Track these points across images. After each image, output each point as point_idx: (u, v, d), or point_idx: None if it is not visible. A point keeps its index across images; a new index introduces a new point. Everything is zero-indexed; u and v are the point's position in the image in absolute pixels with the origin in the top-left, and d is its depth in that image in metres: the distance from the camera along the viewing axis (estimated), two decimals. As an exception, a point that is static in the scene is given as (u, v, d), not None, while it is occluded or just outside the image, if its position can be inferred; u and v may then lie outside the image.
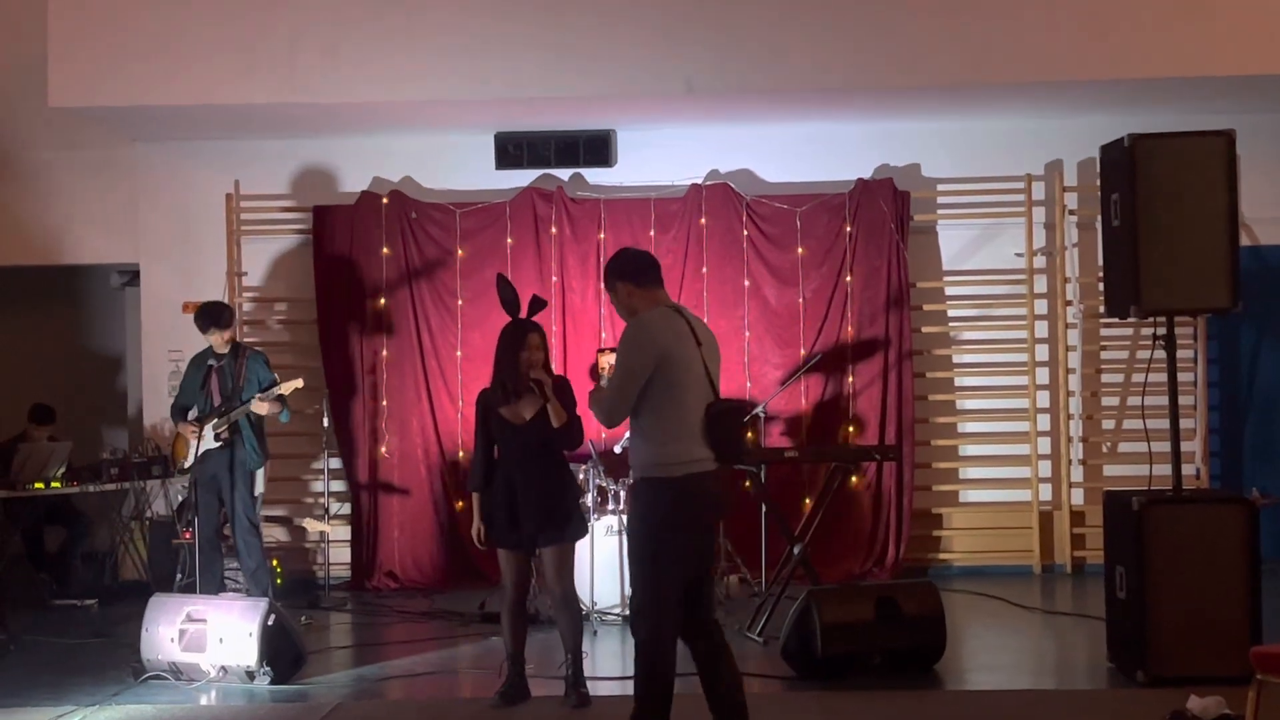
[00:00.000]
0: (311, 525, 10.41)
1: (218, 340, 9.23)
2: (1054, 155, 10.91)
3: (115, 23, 9.84)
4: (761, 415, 10.21)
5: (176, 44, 9.83)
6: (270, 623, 7.42)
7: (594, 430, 8.58)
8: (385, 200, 10.84)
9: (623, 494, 8.96)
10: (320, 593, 10.23)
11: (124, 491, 10.37)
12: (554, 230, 10.78)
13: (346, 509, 10.78)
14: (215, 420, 9.08)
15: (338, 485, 10.78)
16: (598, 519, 8.81)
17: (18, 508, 10.20)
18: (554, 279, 10.73)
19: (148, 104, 9.95)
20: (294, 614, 8.47)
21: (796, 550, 8.58)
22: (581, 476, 8.87)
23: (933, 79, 9.82)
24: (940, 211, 11.01)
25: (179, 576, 9.92)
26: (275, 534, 10.74)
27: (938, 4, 9.72)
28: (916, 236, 10.87)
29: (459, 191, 10.98)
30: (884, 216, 10.64)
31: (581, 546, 7.58)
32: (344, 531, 10.74)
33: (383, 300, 10.82)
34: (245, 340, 10.36)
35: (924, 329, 10.91)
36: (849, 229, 10.69)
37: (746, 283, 10.73)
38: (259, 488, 9.36)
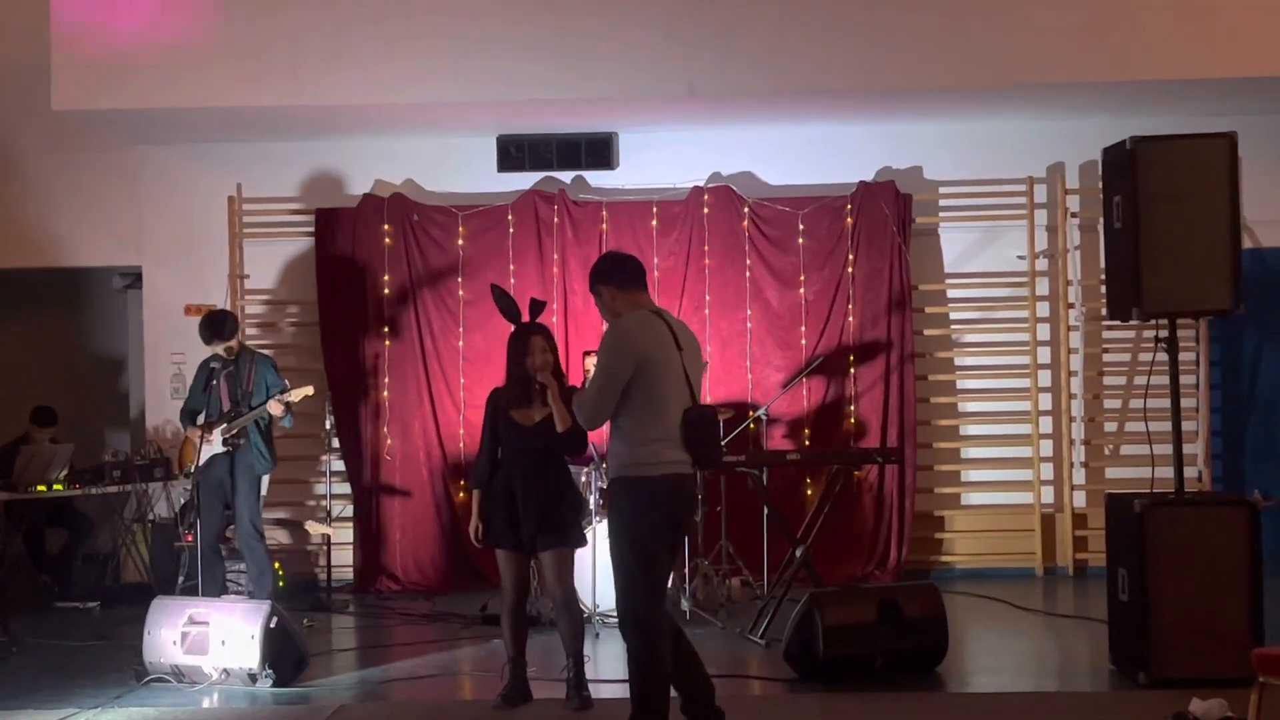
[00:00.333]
0: (314, 528, 10.40)
1: (226, 348, 9.23)
2: (1056, 158, 10.91)
3: (118, 26, 9.86)
4: (763, 418, 10.21)
5: (179, 47, 9.84)
6: (272, 625, 7.41)
7: (597, 433, 8.59)
8: (387, 203, 10.85)
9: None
10: (322, 595, 10.23)
11: (126, 494, 10.37)
12: (556, 233, 10.78)
13: (348, 511, 10.78)
14: (224, 425, 9.08)
15: (340, 488, 10.78)
16: (600, 521, 8.80)
17: (20, 510, 10.20)
18: (556, 281, 10.74)
19: (150, 107, 9.96)
20: (296, 616, 8.46)
21: (798, 552, 8.57)
22: (584, 479, 8.88)
23: (934, 81, 9.82)
24: (942, 214, 11.01)
25: (181, 579, 9.94)
26: (277, 536, 10.75)
27: (939, 6, 9.73)
28: (918, 239, 10.87)
29: (461, 194, 10.98)
30: (886, 219, 10.64)
31: (583, 549, 7.57)
32: (346, 534, 10.74)
33: (385, 303, 10.82)
34: (249, 343, 10.34)
35: (926, 331, 10.91)
36: (851, 231, 10.69)
37: (748, 285, 10.73)
38: (261, 491, 9.37)
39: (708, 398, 10.17)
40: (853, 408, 10.69)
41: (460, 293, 10.82)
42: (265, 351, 9.72)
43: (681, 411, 5.84)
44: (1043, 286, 10.88)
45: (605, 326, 6.14)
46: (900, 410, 10.63)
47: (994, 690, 7.32)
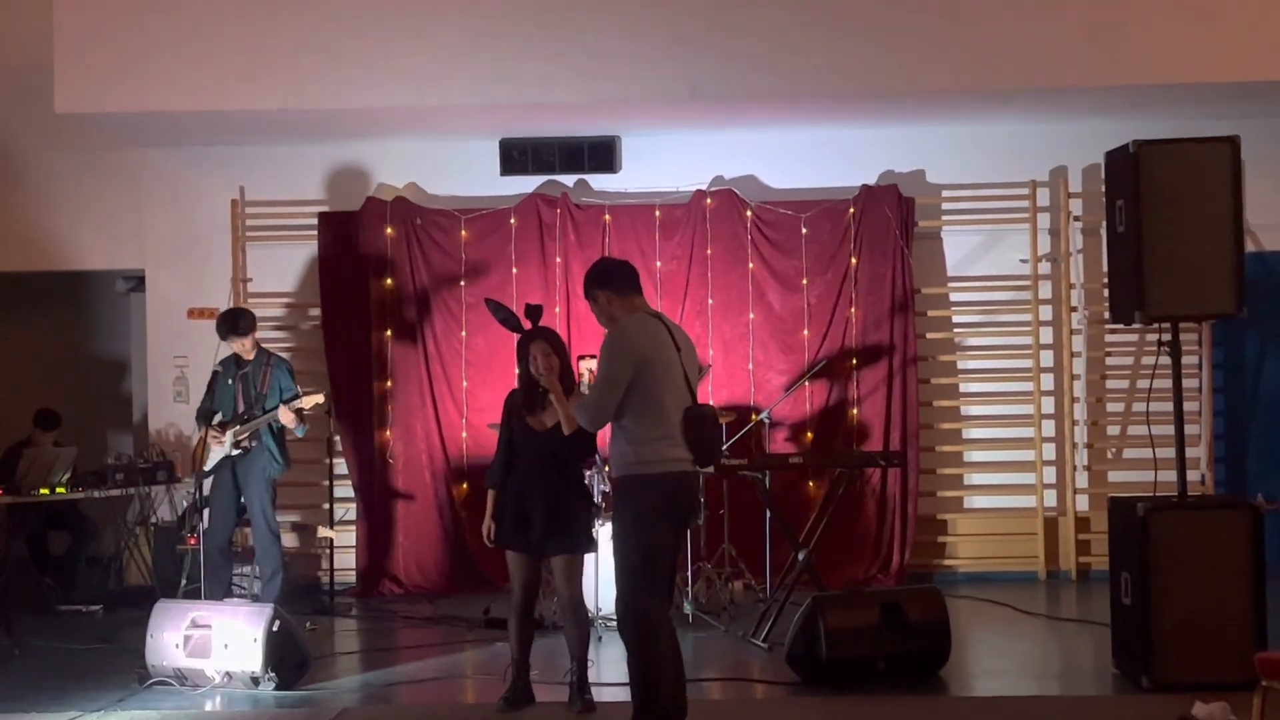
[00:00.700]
0: (321, 531, 10.41)
1: (240, 347, 9.23)
2: (1059, 161, 10.91)
3: (121, 29, 9.86)
4: (766, 421, 10.21)
5: (182, 51, 9.84)
6: (275, 628, 7.41)
7: (602, 436, 8.58)
8: (390, 206, 10.85)
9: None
10: (325, 598, 10.23)
11: (129, 497, 10.36)
12: (559, 236, 10.78)
13: (351, 514, 10.78)
14: (237, 427, 9.08)
15: (342, 491, 10.78)
16: (603, 524, 8.79)
17: (22, 513, 10.19)
18: (558, 285, 10.74)
19: (153, 110, 9.96)
20: (299, 620, 8.47)
21: (801, 556, 8.57)
22: (586, 481, 8.86)
23: (937, 84, 9.82)
24: (945, 217, 11.01)
25: (184, 582, 9.94)
26: (282, 539, 10.73)
27: (942, 10, 9.73)
28: (921, 242, 10.87)
29: (464, 197, 10.99)
30: (888, 222, 10.64)
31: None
32: (349, 537, 10.73)
33: (387, 306, 10.82)
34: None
35: (928, 335, 10.91)
36: (853, 235, 10.69)
37: (751, 288, 10.73)
38: (274, 494, 9.37)
39: (710, 400, 10.17)
40: (855, 411, 10.69)
41: (463, 296, 10.82)
42: (285, 356, 9.69)
43: (682, 410, 5.96)
44: (1045, 290, 10.88)
45: (605, 330, 6.20)
46: (903, 413, 10.63)
47: (997, 694, 7.32)
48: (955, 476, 10.99)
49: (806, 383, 10.57)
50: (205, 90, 9.86)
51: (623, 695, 7.08)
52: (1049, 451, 10.87)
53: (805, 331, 10.70)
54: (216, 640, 7.47)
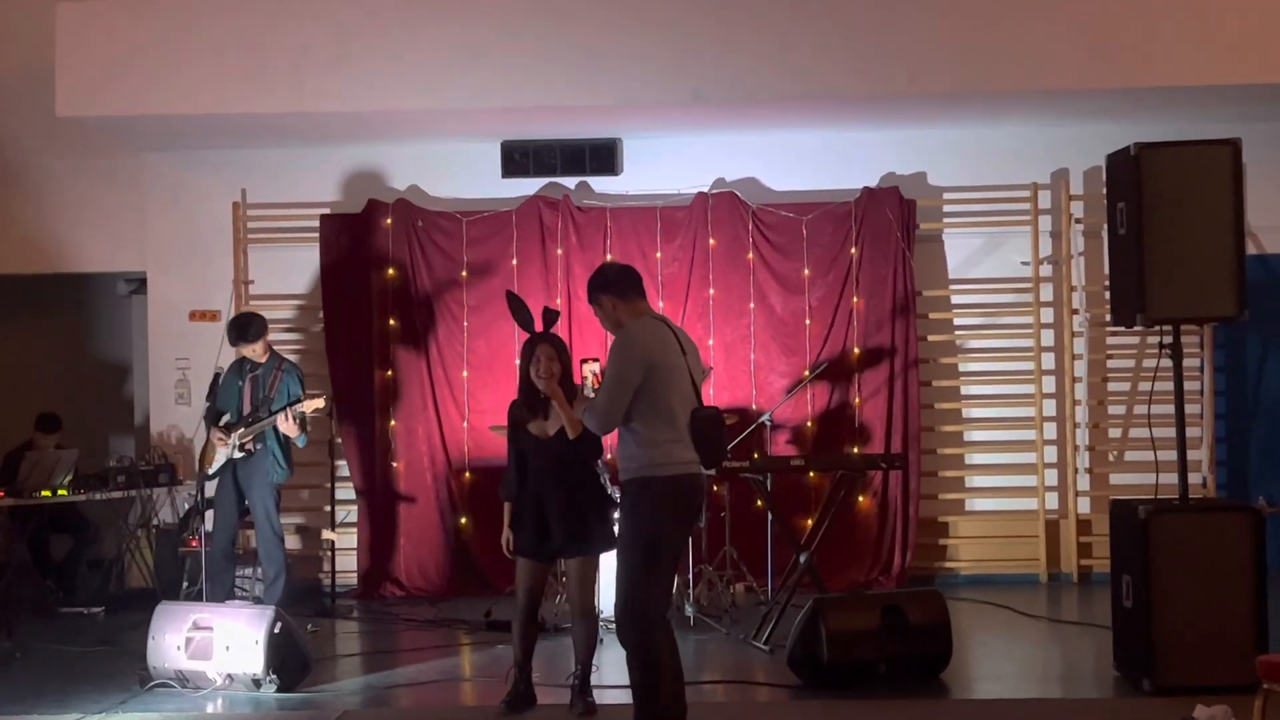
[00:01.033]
0: (325, 534, 10.42)
1: (250, 352, 9.22)
2: (1060, 164, 10.91)
3: (122, 32, 9.87)
4: (768, 424, 10.21)
5: (183, 54, 9.86)
6: (276, 630, 7.42)
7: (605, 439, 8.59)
8: (392, 208, 10.85)
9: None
10: (327, 601, 10.23)
11: (130, 499, 10.36)
12: (560, 239, 10.79)
13: (353, 517, 10.78)
14: (242, 430, 9.08)
15: (344, 493, 10.78)
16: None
17: (24, 515, 10.20)
18: (560, 287, 10.74)
19: (155, 113, 9.97)
20: (300, 622, 8.47)
21: (803, 558, 8.58)
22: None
23: (939, 87, 9.82)
24: (946, 220, 11.01)
25: (185, 584, 9.94)
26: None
27: (944, 12, 9.73)
28: (922, 245, 10.87)
29: (465, 200, 10.99)
30: (890, 225, 10.64)
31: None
32: (350, 539, 10.74)
33: (389, 309, 10.82)
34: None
35: (930, 337, 10.91)
36: (855, 237, 10.69)
37: (752, 290, 10.73)
38: (278, 497, 9.37)
39: (712, 403, 10.15)
40: (857, 413, 10.69)
41: (464, 298, 10.82)
42: (294, 361, 9.67)
43: (689, 413, 6.02)
44: (1047, 292, 10.88)
45: (608, 334, 6.23)
46: (904, 416, 10.63)
47: (998, 697, 7.32)
48: (956, 479, 10.99)
49: (808, 385, 10.56)
50: (206, 93, 9.87)
51: (624, 698, 7.09)
52: (1050, 454, 10.86)
53: (806, 334, 10.70)
54: (218, 642, 7.47)
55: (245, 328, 9.22)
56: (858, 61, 9.77)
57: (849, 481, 9.18)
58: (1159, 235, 7.08)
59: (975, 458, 11.01)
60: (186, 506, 10.45)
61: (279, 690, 7.44)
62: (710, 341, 10.62)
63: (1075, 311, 10.86)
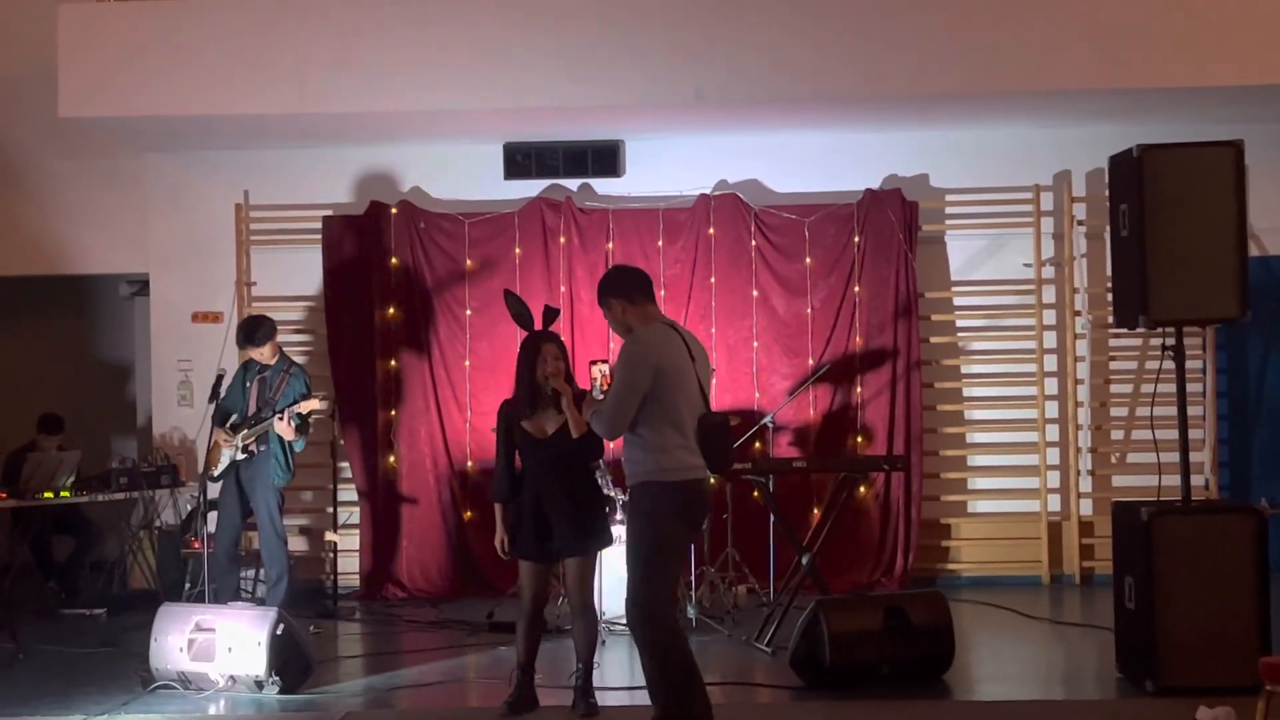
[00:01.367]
0: (329, 536, 10.43)
1: (258, 355, 9.21)
2: (1062, 165, 10.91)
3: (124, 33, 9.89)
4: (770, 425, 10.21)
5: (186, 55, 9.86)
6: (279, 632, 7.42)
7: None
8: (394, 210, 10.86)
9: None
10: (329, 602, 10.24)
11: (132, 501, 10.37)
12: (562, 240, 10.79)
13: (355, 518, 10.78)
14: (245, 431, 9.08)
15: (347, 495, 10.78)
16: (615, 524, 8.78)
17: (27, 517, 10.21)
18: (562, 289, 10.74)
19: (157, 114, 9.98)
20: (303, 623, 8.47)
21: (805, 560, 8.57)
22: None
23: (941, 88, 9.83)
24: (948, 221, 11.01)
25: (188, 585, 9.94)
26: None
27: (946, 14, 9.73)
28: (925, 246, 10.86)
29: (467, 201, 11.00)
30: (892, 226, 10.64)
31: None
32: (352, 541, 10.74)
33: (391, 310, 10.83)
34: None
35: (932, 339, 10.91)
36: (857, 239, 10.69)
37: (755, 293, 10.73)
38: (281, 499, 9.37)
39: (714, 405, 10.15)
40: (859, 415, 10.69)
41: (467, 300, 10.83)
42: (301, 365, 9.66)
43: (697, 418, 6.06)
44: (1049, 294, 10.88)
45: (613, 335, 6.25)
46: (906, 418, 10.62)
47: (1000, 698, 7.32)
48: (959, 480, 10.99)
49: (810, 387, 10.56)
50: (209, 94, 9.88)
51: (626, 700, 7.11)
52: (1053, 456, 10.86)
53: (809, 336, 10.70)
54: (220, 644, 7.47)
55: (252, 331, 9.23)
56: (860, 63, 9.77)
57: (851, 483, 9.17)
58: (1161, 237, 7.08)
59: (977, 459, 11.01)
60: (189, 508, 10.45)
61: (281, 692, 7.43)
62: (712, 343, 10.61)
63: (1077, 313, 10.86)
